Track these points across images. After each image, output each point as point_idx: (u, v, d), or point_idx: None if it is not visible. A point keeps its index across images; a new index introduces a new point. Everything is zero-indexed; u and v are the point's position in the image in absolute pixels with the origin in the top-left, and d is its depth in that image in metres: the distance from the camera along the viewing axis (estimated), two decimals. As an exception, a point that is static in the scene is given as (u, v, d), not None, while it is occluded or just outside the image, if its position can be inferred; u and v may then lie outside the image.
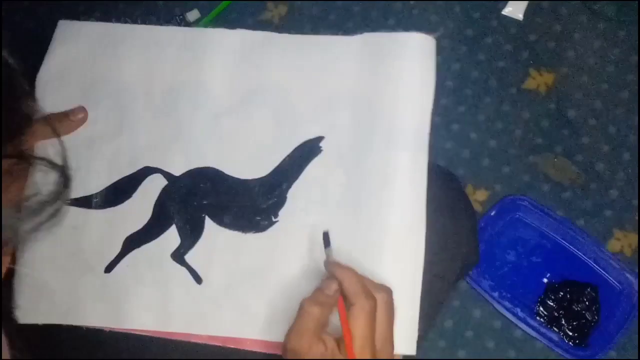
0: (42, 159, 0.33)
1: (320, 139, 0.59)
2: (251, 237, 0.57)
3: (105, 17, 1.17)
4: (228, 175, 0.59)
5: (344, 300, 0.48)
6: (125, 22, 0.61)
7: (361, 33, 0.60)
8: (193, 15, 1.22)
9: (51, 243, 0.57)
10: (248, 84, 0.60)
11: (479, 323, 1.09)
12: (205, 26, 1.21)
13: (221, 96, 0.60)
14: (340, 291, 0.48)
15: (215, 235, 0.57)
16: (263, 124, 0.59)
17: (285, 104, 0.59)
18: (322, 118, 0.59)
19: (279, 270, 0.56)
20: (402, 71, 0.59)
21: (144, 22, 0.61)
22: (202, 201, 0.58)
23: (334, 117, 0.59)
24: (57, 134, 0.56)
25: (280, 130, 0.59)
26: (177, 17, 1.21)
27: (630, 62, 1.18)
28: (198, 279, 0.57)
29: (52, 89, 0.60)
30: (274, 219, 0.57)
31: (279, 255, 0.57)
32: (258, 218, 0.58)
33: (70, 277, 0.57)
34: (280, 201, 0.58)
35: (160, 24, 0.62)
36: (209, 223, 0.58)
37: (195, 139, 0.59)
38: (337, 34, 0.60)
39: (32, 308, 0.56)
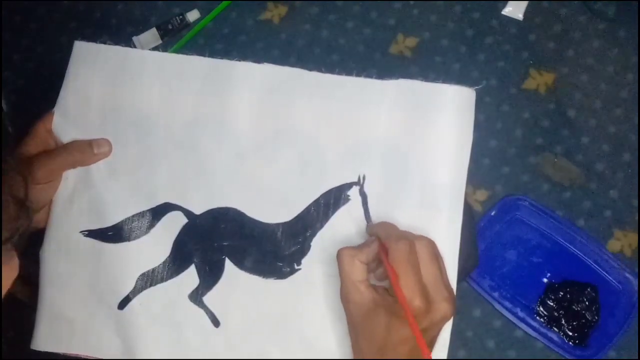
0: (14, 196, 0.33)
1: (349, 185, 0.56)
2: (272, 283, 0.55)
3: (105, 17, 1.17)
4: (250, 218, 0.56)
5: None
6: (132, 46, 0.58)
7: (396, 78, 0.57)
8: (193, 15, 1.22)
9: (69, 273, 0.56)
10: (274, 123, 0.57)
11: (479, 323, 1.09)
12: (205, 26, 1.21)
13: (246, 133, 0.57)
14: (377, 240, 0.49)
15: (235, 278, 0.56)
16: (289, 167, 0.57)
17: (313, 147, 0.57)
18: (352, 165, 0.56)
19: (299, 319, 0.55)
20: (438, 125, 0.56)
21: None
22: (223, 242, 0.56)
23: (363, 166, 0.56)
24: (79, 164, 0.56)
25: (307, 174, 0.56)
26: (177, 17, 1.21)
27: (630, 62, 1.18)
28: (216, 322, 0.55)
29: (73, 115, 0.57)
30: (296, 267, 0.56)
31: (300, 304, 0.55)
32: (280, 264, 0.56)
33: (87, 308, 0.56)
34: (304, 249, 0.56)
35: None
36: (229, 265, 0.56)
37: (217, 178, 0.57)
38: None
39: (53, 336, 0.55)
